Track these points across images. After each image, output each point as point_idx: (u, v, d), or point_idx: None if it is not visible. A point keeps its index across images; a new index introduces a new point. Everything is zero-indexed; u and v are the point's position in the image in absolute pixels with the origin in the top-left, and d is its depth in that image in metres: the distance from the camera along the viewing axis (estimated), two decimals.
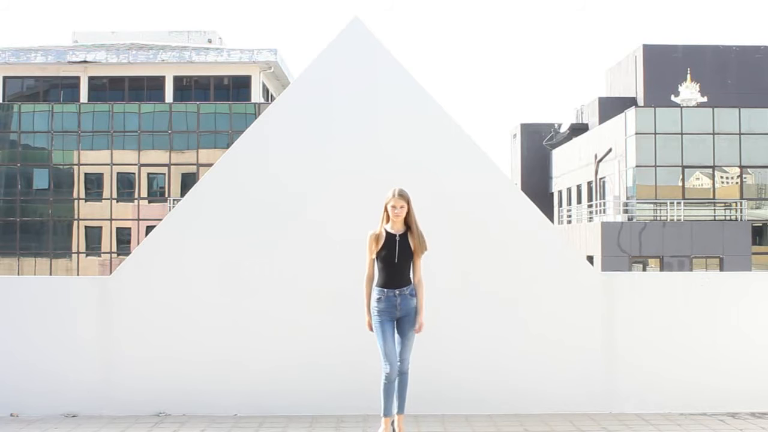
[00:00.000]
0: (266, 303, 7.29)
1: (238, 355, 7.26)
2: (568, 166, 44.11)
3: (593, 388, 7.28)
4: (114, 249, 38.17)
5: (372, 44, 7.54)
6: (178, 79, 40.97)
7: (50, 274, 36.07)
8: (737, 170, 35.09)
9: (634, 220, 33.84)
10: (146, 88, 40.95)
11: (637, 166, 34.63)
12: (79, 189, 38.34)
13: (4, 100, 40.73)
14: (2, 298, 7.41)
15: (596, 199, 38.20)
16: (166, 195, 38.16)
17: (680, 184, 34.85)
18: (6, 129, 38.63)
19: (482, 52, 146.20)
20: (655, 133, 34.47)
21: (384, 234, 6.26)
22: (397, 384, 6.19)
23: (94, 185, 38.63)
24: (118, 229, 38.37)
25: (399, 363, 6.20)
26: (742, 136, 34.56)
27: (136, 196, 38.49)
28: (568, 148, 44.12)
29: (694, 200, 34.91)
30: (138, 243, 31.18)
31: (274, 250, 7.33)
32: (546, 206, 42.08)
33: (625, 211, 34.59)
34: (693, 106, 36.21)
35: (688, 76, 38.52)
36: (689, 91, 37.62)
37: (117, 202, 38.41)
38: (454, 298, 7.22)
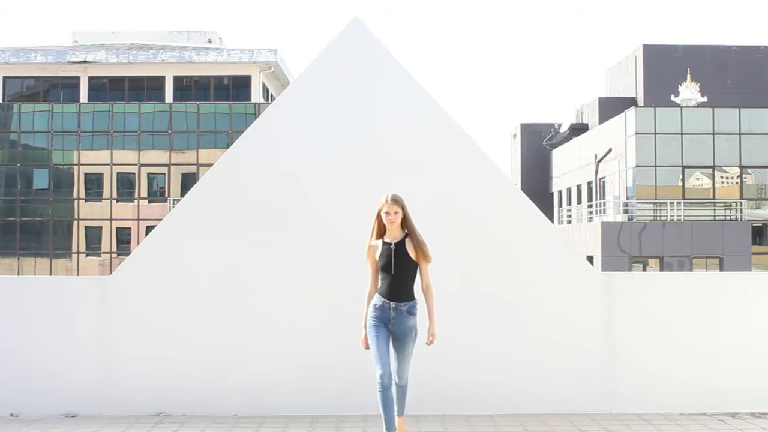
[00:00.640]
0: (266, 303, 7.28)
1: (239, 355, 7.26)
2: (568, 166, 44.11)
3: (593, 388, 7.28)
4: (114, 249, 38.18)
5: (372, 44, 7.54)
6: (178, 79, 40.97)
7: (50, 274, 36.07)
8: (737, 170, 35.09)
9: (634, 220, 33.84)
10: (146, 88, 40.95)
11: (637, 166, 34.63)
12: (79, 189, 38.34)
13: (4, 100, 40.73)
14: (2, 298, 7.41)
15: (596, 199, 38.20)
16: (166, 195, 38.16)
17: (680, 184, 34.85)
18: (6, 129, 38.64)
19: (482, 52, 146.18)
20: (655, 133, 34.47)
21: (379, 245, 5.93)
22: (395, 393, 5.92)
23: (94, 185, 38.64)
24: (118, 229, 38.38)
25: (396, 378, 5.92)
26: (742, 136, 34.57)
27: (136, 196, 38.50)
28: (568, 148, 44.12)
29: (694, 200, 34.91)
30: (138, 243, 31.18)
31: (275, 250, 7.32)
32: (546, 206, 42.07)
33: (625, 211, 34.59)
34: (693, 106, 36.22)
35: (688, 76, 38.53)
36: (689, 91, 37.62)
37: (117, 202, 38.42)
38: (454, 298, 7.21)
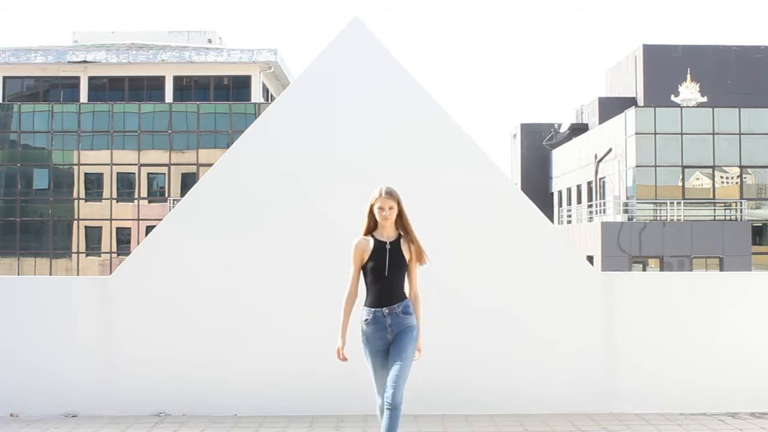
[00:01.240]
0: (266, 303, 7.28)
1: (239, 354, 7.25)
2: (568, 166, 44.10)
3: (593, 388, 7.27)
4: (114, 249, 38.18)
5: (372, 44, 7.54)
6: (178, 79, 40.97)
7: (50, 274, 36.07)
8: (737, 170, 35.10)
9: (634, 220, 33.84)
10: (146, 88, 40.95)
11: (637, 166, 34.63)
12: (79, 189, 38.35)
13: (4, 100, 40.73)
14: (2, 298, 7.41)
15: (596, 199, 38.19)
16: (166, 195, 38.17)
17: (680, 184, 34.85)
18: (6, 129, 38.64)
19: (482, 52, 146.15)
20: (655, 133, 34.47)
21: (372, 242, 5.26)
22: (387, 418, 5.05)
23: (94, 185, 38.64)
24: (118, 229, 38.38)
25: (391, 391, 5.04)
26: (742, 136, 34.57)
27: (136, 196, 38.51)
28: (568, 148, 44.11)
29: (694, 200, 34.91)
30: (138, 243, 31.18)
31: (275, 251, 7.32)
32: (546, 206, 42.08)
33: (625, 211, 34.58)
34: (693, 106, 36.21)
35: (688, 76, 38.52)
36: (689, 91, 37.62)
37: (117, 202, 38.42)
38: (454, 298, 7.21)
